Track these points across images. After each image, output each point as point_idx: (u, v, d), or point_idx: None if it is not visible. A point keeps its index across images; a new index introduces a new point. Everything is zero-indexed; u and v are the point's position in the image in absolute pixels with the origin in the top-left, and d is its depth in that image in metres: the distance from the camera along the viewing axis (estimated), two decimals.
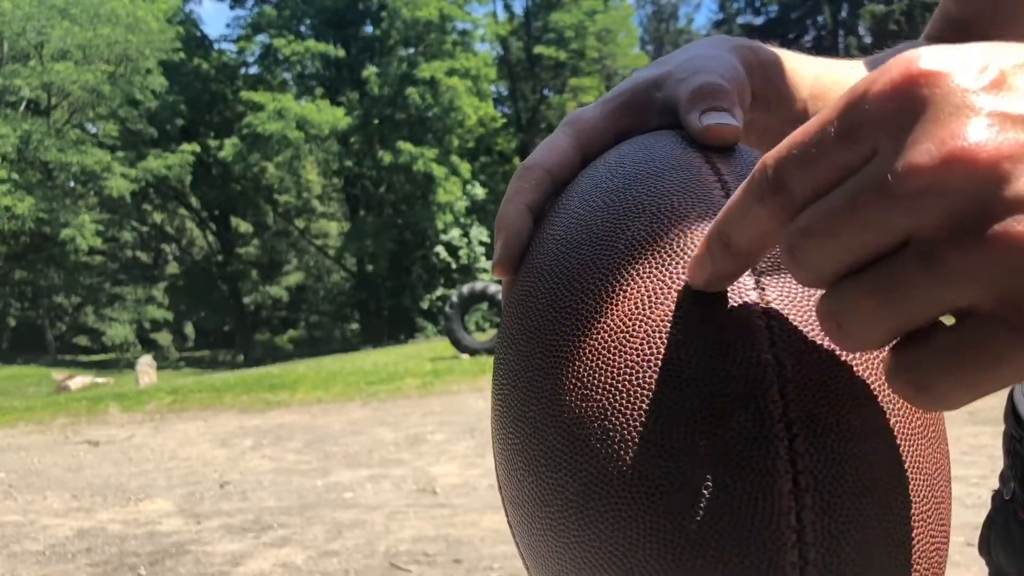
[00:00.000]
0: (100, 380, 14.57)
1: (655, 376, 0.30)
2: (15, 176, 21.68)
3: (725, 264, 0.29)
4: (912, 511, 0.30)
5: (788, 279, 0.32)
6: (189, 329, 31.90)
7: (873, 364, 0.31)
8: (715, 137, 0.38)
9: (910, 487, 0.30)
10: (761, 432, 0.29)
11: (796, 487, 0.28)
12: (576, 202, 0.38)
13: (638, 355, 0.31)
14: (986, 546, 0.64)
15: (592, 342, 0.33)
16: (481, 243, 25.26)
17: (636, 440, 0.30)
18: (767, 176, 0.26)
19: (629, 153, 0.39)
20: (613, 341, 0.32)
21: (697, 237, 0.33)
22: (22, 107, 23.45)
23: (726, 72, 0.42)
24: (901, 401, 0.31)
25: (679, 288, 0.32)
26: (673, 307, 0.32)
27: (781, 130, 0.49)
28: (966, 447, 4.82)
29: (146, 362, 14.26)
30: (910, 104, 0.23)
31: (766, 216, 0.27)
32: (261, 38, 27.65)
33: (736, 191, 0.28)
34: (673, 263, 0.33)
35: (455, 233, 25.43)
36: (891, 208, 0.23)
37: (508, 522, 0.38)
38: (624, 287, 0.33)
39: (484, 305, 13.58)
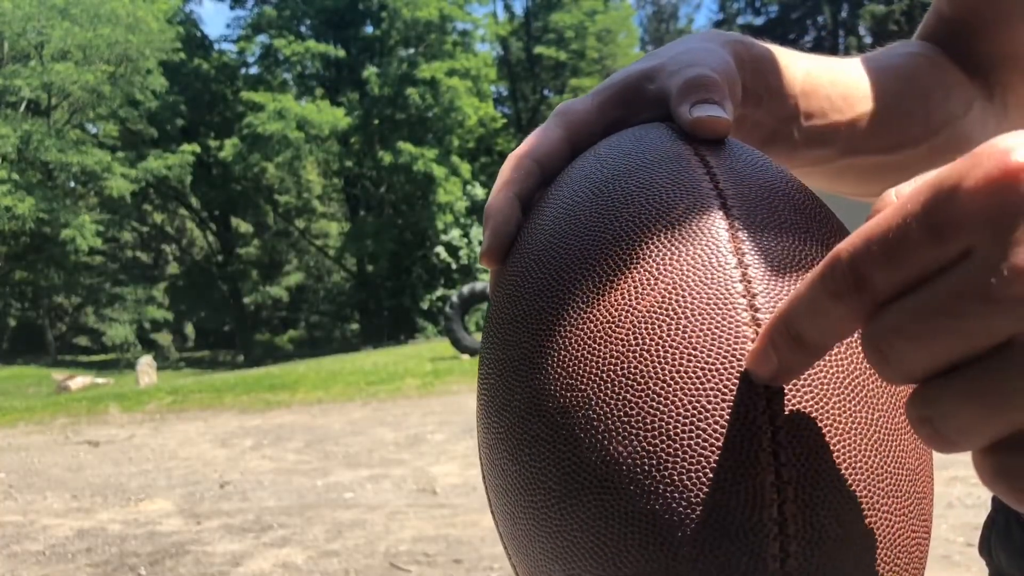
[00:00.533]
0: (100, 380, 14.57)
1: (640, 367, 0.30)
2: (15, 176, 21.66)
3: (795, 358, 0.28)
4: (894, 505, 0.30)
5: (773, 273, 0.32)
6: (189, 329, 31.89)
7: (857, 358, 0.31)
8: (705, 129, 0.38)
9: (892, 481, 0.31)
10: (744, 424, 0.29)
11: (778, 479, 0.28)
12: (565, 192, 0.38)
13: (624, 345, 0.31)
14: (986, 547, 0.63)
15: (578, 332, 0.32)
16: (481, 243, 25.22)
17: (619, 430, 0.30)
18: (844, 271, 0.25)
19: (618, 144, 0.39)
20: (599, 331, 0.32)
21: (685, 229, 0.33)
22: (22, 107, 23.44)
23: (718, 66, 0.42)
24: (885, 395, 0.31)
25: (665, 280, 0.32)
26: (660, 298, 0.32)
27: (772, 125, 0.49)
28: None
29: (146, 362, 14.27)
30: (1011, 202, 0.22)
31: (843, 312, 0.25)
32: (261, 38, 27.63)
33: (803, 284, 0.26)
34: (660, 254, 0.33)
35: (455, 233, 25.43)
36: (996, 313, 0.22)
37: (491, 511, 0.38)
38: (611, 278, 0.33)
39: (484, 305, 13.58)
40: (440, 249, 25.46)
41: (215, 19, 69.70)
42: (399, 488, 4.91)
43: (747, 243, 0.33)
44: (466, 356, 11.57)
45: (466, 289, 11.98)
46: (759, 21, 31.74)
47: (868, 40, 26.77)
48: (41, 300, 27.05)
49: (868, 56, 0.58)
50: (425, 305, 25.64)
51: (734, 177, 0.35)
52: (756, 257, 0.32)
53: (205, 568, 3.68)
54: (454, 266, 25.46)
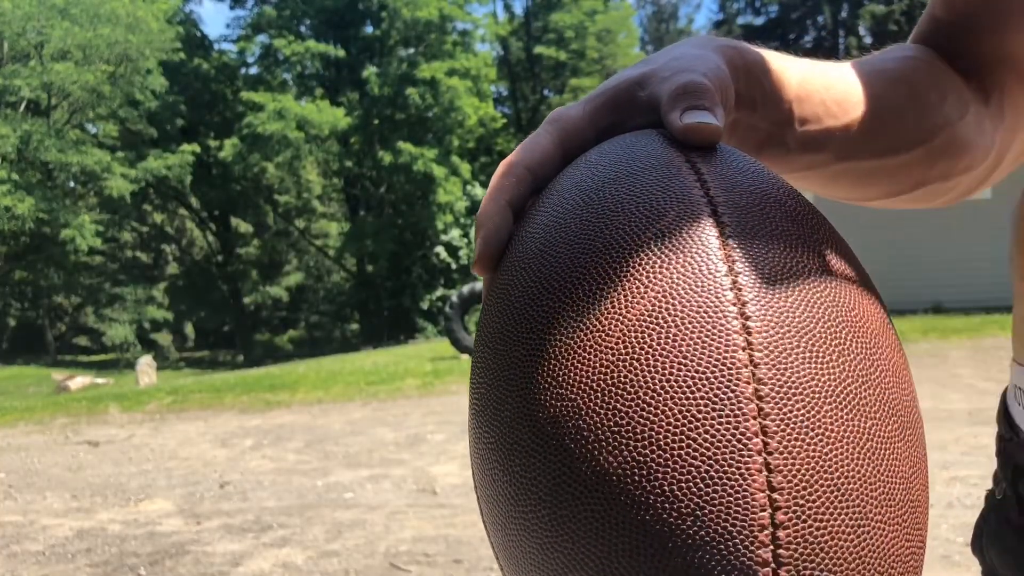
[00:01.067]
0: (100, 380, 14.57)
1: (630, 376, 0.30)
2: (15, 176, 21.67)
3: None
4: (887, 514, 0.30)
5: (764, 281, 0.32)
6: (189, 329, 31.89)
7: (849, 365, 0.31)
8: (696, 136, 0.38)
9: (886, 490, 0.30)
10: (735, 433, 0.29)
11: (770, 489, 0.28)
12: (555, 200, 0.38)
13: (614, 354, 0.31)
14: (979, 545, 0.64)
15: (568, 341, 0.32)
16: None
17: (609, 440, 0.30)
18: None
19: (609, 152, 0.39)
20: (589, 340, 0.32)
21: (675, 237, 0.33)
22: (22, 107, 23.45)
23: (709, 71, 0.42)
24: (877, 404, 0.31)
25: (655, 288, 0.32)
26: (649, 307, 0.31)
27: (767, 130, 0.49)
28: (966, 447, 4.82)
29: (146, 362, 14.27)
30: None
31: None
32: (261, 38, 27.65)
33: None
34: (650, 263, 0.32)
35: (455, 233, 25.44)
36: None
37: (483, 521, 0.38)
38: (601, 286, 0.33)
39: None
40: (440, 249, 25.47)
41: (215, 19, 69.78)
42: (399, 488, 4.91)
43: (737, 251, 0.33)
44: (466, 356, 11.58)
45: (466, 289, 11.98)
46: (759, 21, 31.72)
47: (868, 40, 26.76)
48: (41, 300, 27.06)
49: (862, 60, 0.58)
50: (425, 305, 25.64)
51: (725, 184, 0.35)
52: (746, 265, 0.32)
53: (205, 568, 3.68)
54: (454, 266, 25.47)
